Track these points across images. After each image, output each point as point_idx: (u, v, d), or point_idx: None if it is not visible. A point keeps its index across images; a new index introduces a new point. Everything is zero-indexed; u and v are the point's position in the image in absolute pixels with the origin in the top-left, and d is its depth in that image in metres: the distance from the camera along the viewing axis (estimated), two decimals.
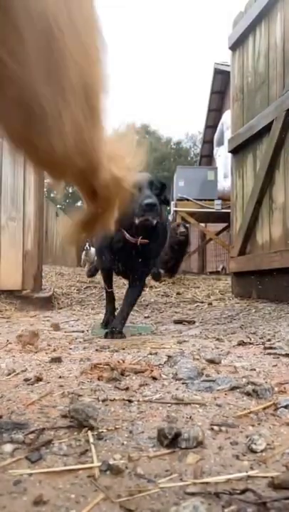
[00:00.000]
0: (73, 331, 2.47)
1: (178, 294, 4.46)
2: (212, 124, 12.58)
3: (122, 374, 1.27)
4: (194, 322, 2.79)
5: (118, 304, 3.09)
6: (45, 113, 0.62)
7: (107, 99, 0.75)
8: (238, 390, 1.09)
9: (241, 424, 0.87)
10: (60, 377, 1.26)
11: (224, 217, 7.33)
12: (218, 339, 2.06)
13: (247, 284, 3.74)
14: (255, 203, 3.57)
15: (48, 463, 0.71)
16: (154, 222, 2.11)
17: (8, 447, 0.75)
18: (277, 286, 3.27)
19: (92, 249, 6.81)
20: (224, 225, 8.47)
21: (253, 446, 0.75)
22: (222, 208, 7.45)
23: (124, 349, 1.77)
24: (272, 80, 3.44)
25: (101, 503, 0.59)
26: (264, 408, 0.96)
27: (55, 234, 12.49)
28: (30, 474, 0.66)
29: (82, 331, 2.46)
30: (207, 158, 13.83)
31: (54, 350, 1.75)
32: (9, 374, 1.29)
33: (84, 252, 7.39)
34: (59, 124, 0.64)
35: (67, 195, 33.47)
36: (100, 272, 3.07)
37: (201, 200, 7.68)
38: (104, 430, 0.84)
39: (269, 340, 1.96)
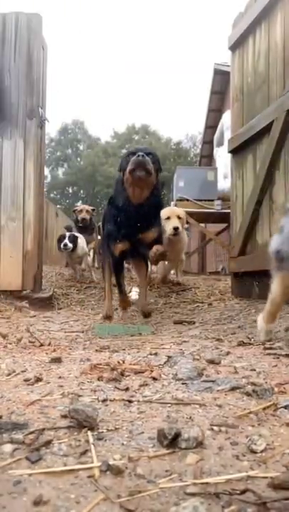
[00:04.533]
0: (73, 331, 2.47)
1: (177, 294, 4.45)
2: (212, 125, 12.58)
3: (122, 374, 1.27)
4: (194, 322, 2.79)
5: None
6: None
7: None
8: (238, 391, 1.09)
9: (241, 424, 0.87)
10: (60, 377, 1.26)
11: (224, 218, 7.33)
12: (218, 339, 2.06)
13: (247, 285, 3.74)
14: (255, 204, 3.57)
15: (47, 463, 0.71)
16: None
17: (8, 447, 0.75)
18: None
19: (80, 244, 5.32)
20: (224, 225, 8.47)
21: (253, 447, 0.75)
22: (222, 209, 7.44)
23: (124, 349, 1.77)
24: (273, 80, 3.44)
25: (101, 503, 0.59)
26: (264, 408, 0.96)
27: (55, 234, 12.48)
28: (30, 474, 0.66)
29: (82, 331, 2.46)
30: (207, 158, 13.83)
31: (54, 350, 1.75)
32: (9, 374, 1.29)
33: (63, 248, 5.12)
34: None
35: (68, 196, 33.51)
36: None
37: (200, 200, 7.68)
38: (104, 430, 0.84)
39: (269, 340, 1.96)
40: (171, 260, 4.33)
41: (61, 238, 5.31)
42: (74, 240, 5.30)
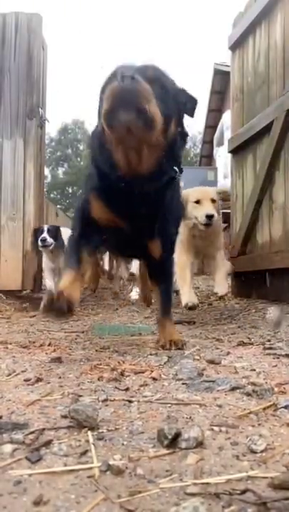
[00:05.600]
0: (73, 331, 2.47)
1: (177, 294, 4.45)
2: (212, 125, 12.59)
3: (122, 374, 1.27)
4: (194, 322, 2.79)
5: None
6: None
7: None
8: (238, 391, 1.09)
9: (241, 424, 0.87)
10: (60, 377, 1.26)
11: (224, 218, 7.32)
12: (218, 339, 2.06)
13: (247, 284, 3.74)
14: (255, 203, 3.57)
15: (48, 463, 0.71)
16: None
17: (8, 447, 0.75)
18: (277, 287, 3.27)
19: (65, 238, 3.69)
20: (224, 225, 8.46)
21: (253, 447, 0.75)
22: (222, 208, 7.43)
23: (124, 350, 1.77)
24: (273, 80, 3.44)
25: (101, 503, 0.59)
26: (264, 408, 0.96)
27: None
28: (30, 474, 0.66)
29: (82, 331, 2.46)
30: (207, 158, 13.85)
31: (54, 350, 1.75)
32: (9, 374, 1.29)
33: (41, 245, 3.76)
34: None
35: (68, 196, 33.50)
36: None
37: None
38: (105, 430, 0.84)
39: (269, 340, 1.96)
40: (202, 256, 3.33)
41: (37, 232, 3.76)
42: (55, 233, 3.82)
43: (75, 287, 1.54)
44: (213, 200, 2.87)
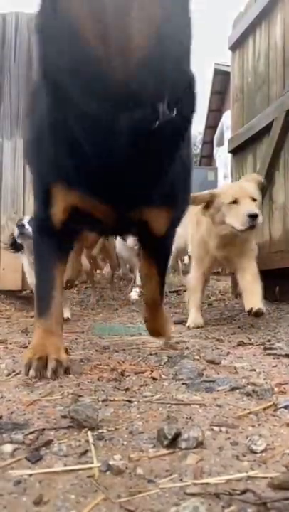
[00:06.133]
0: (73, 331, 2.47)
1: (177, 294, 4.46)
2: (212, 125, 12.61)
3: (122, 374, 1.27)
4: None
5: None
6: None
7: None
8: (238, 391, 1.09)
9: (241, 424, 0.87)
10: (59, 377, 1.26)
11: None
12: (218, 339, 2.06)
13: None
14: None
15: (48, 463, 0.71)
16: None
17: (8, 447, 0.75)
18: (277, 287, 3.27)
19: None
20: None
21: (253, 447, 0.75)
22: None
23: (124, 349, 1.77)
24: (273, 80, 3.44)
25: (101, 503, 0.59)
26: (264, 409, 0.96)
27: None
28: (30, 475, 0.66)
29: (82, 331, 2.46)
30: (207, 158, 13.86)
31: None
32: (9, 374, 1.29)
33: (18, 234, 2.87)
34: None
35: None
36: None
37: None
38: (104, 430, 0.84)
39: (269, 340, 1.96)
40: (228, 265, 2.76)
41: (17, 223, 2.92)
42: None
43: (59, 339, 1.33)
44: (253, 199, 2.30)
